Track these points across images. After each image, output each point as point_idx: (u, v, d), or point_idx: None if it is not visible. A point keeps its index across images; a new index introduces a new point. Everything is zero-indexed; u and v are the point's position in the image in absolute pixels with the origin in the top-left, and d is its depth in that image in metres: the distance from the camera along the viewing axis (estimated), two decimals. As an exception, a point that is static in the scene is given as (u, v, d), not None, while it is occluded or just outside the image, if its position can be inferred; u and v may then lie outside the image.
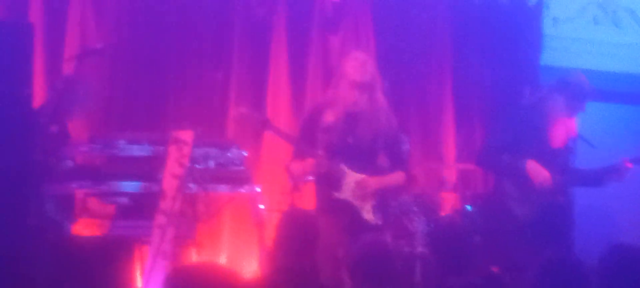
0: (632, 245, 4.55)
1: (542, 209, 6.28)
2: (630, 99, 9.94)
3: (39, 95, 7.20)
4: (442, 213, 7.93)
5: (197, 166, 6.27)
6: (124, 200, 6.56)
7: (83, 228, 6.86)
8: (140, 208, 6.51)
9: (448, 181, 8.58)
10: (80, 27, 7.88)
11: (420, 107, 9.17)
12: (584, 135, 6.49)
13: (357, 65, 6.16)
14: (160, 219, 6.13)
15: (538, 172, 6.23)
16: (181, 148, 6.24)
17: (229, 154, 6.61)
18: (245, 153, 6.81)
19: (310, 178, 6.57)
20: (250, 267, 7.85)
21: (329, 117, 6.16)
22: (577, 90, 6.36)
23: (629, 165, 6.32)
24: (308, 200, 7.00)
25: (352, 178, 6.13)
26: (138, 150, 6.55)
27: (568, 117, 6.43)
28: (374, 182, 6.16)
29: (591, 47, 9.58)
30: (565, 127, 6.42)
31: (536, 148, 6.32)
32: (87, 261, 5.89)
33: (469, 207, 7.98)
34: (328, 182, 6.14)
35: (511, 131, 6.39)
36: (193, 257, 6.43)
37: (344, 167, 6.11)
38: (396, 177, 6.32)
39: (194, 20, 8.26)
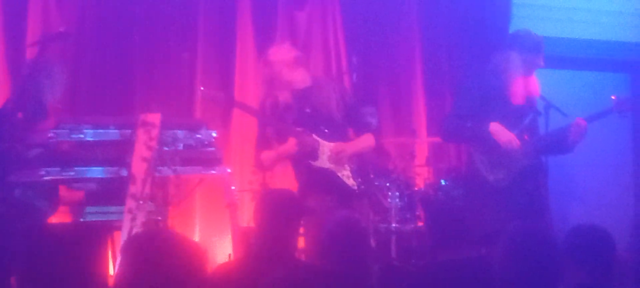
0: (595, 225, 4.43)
1: (515, 173, 6.21)
2: (597, 65, 9.95)
3: (3, 82, 7.09)
4: (416, 188, 7.90)
5: (165, 148, 6.18)
6: (93, 186, 6.49)
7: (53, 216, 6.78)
8: (110, 194, 6.44)
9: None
10: (43, 11, 7.76)
11: (390, 82, 9.14)
12: (555, 103, 6.41)
13: (278, 50, 6.44)
14: (130, 204, 6.06)
15: (502, 133, 6.16)
16: (149, 131, 6.15)
17: (198, 135, 6.52)
18: (214, 134, 6.73)
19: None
20: (223, 248, 7.80)
21: (282, 98, 6.28)
22: (529, 44, 6.30)
23: (583, 122, 6.26)
24: (279, 180, 6.95)
25: (326, 147, 6.23)
26: (105, 135, 6.45)
27: (526, 75, 6.35)
28: (349, 146, 6.28)
29: (560, 14, 9.56)
30: (525, 85, 6.34)
31: (499, 111, 6.26)
32: (58, 248, 5.84)
33: (443, 181, 7.95)
34: (304, 154, 6.23)
35: (473, 98, 6.31)
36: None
37: (316, 137, 6.21)
38: (366, 139, 6.44)
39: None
